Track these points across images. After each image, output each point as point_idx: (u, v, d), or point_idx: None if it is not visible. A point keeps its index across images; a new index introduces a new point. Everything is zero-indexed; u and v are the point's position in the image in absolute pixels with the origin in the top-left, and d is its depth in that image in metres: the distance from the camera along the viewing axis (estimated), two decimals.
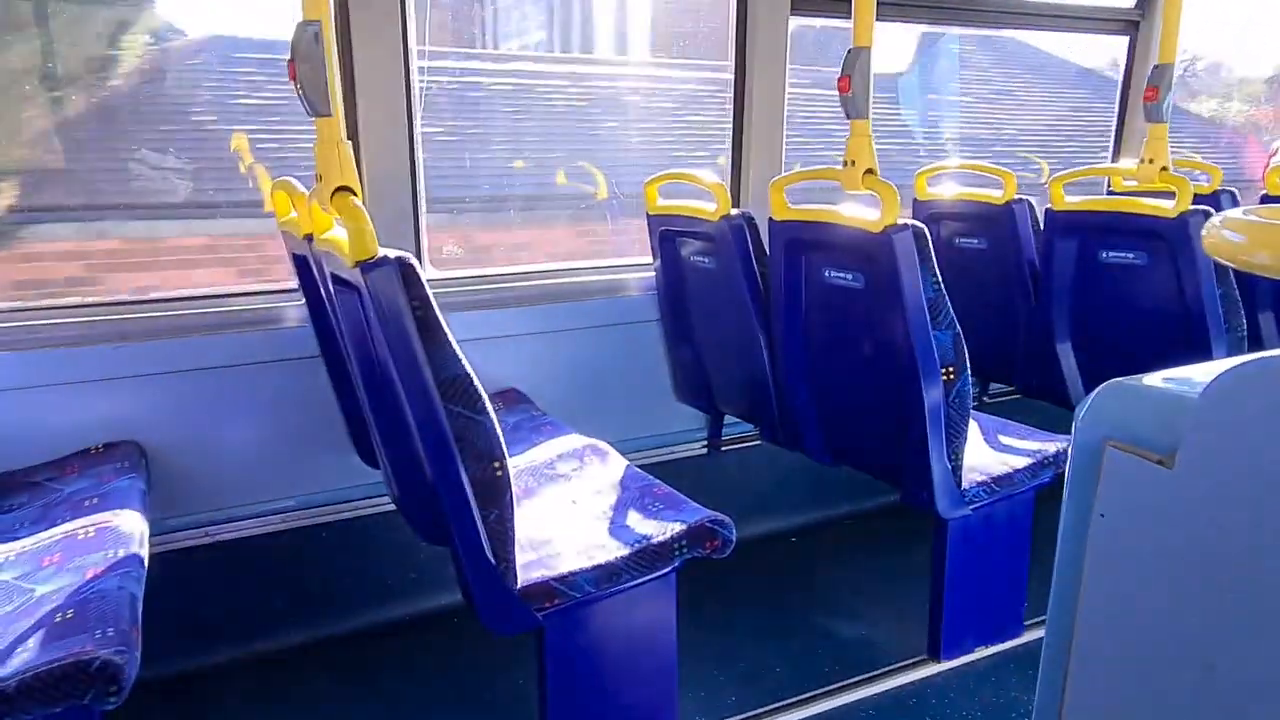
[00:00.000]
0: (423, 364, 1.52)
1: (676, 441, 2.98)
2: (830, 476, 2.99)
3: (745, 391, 2.68)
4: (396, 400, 1.63)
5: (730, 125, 2.93)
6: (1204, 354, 2.38)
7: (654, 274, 2.81)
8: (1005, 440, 2.46)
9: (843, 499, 3.24)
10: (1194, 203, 2.44)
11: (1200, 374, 0.82)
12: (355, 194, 1.64)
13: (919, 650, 2.37)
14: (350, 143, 2.35)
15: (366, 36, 2.32)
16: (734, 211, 2.41)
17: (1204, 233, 0.81)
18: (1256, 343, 2.81)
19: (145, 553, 1.73)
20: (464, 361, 1.56)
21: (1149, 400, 0.81)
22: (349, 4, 2.29)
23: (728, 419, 2.98)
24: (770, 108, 2.88)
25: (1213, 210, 2.42)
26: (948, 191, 3.08)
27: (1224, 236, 0.79)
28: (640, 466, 2.20)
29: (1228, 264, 0.78)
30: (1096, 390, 0.84)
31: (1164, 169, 2.70)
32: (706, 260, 2.59)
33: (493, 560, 1.61)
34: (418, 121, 2.46)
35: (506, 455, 1.60)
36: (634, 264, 2.91)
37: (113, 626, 1.45)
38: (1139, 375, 0.84)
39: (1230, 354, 2.37)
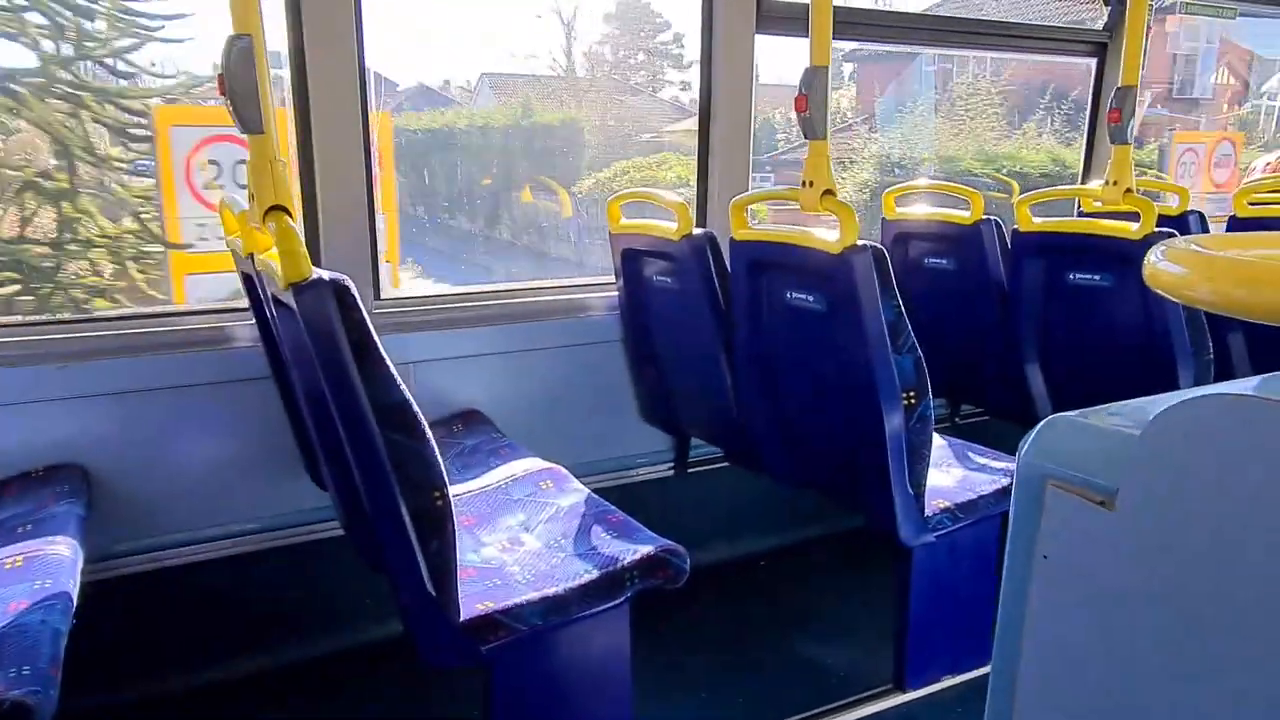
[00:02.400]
0: (358, 389, 1.47)
1: (642, 464, 2.93)
2: (798, 500, 2.94)
3: (709, 413, 2.64)
4: (336, 425, 1.58)
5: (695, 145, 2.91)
6: (1170, 378, 2.35)
7: (617, 294, 2.77)
8: (971, 464, 2.43)
9: (811, 522, 3.20)
10: (1160, 224, 2.43)
11: (1146, 410, 0.79)
12: (289, 214, 1.58)
13: (885, 679, 2.32)
14: (302, 160, 2.33)
15: (319, 51, 2.27)
16: (696, 231, 2.38)
17: (1144, 265, 0.78)
18: (1225, 366, 2.79)
19: (76, 584, 1.66)
20: (402, 387, 1.51)
21: (1091, 438, 0.77)
22: (302, 20, 2.24)
23: (694, 441, 2.93)
24: (736, 127, 2.85)
25: (1177, 233, 2.41)
26: (916, 211, 3.07)
27: (1164, 269, 0.76)
28: (604, 489, 2.15)
29: (1170, 298, 0.75)
30: (1038, 426, 0.81)
31: (1128, 191, 2.68)
32: (669, 280, 2.55)
33: (433, 593, 1.55)
34: (374, 139, 2.41)
35: (448, 484, 1.55)
36: (597, 283, 2.87)
37: (30, 665, 1.38)
38: (1086, 410, 0.80)
39: (1197, 378, 2.35)
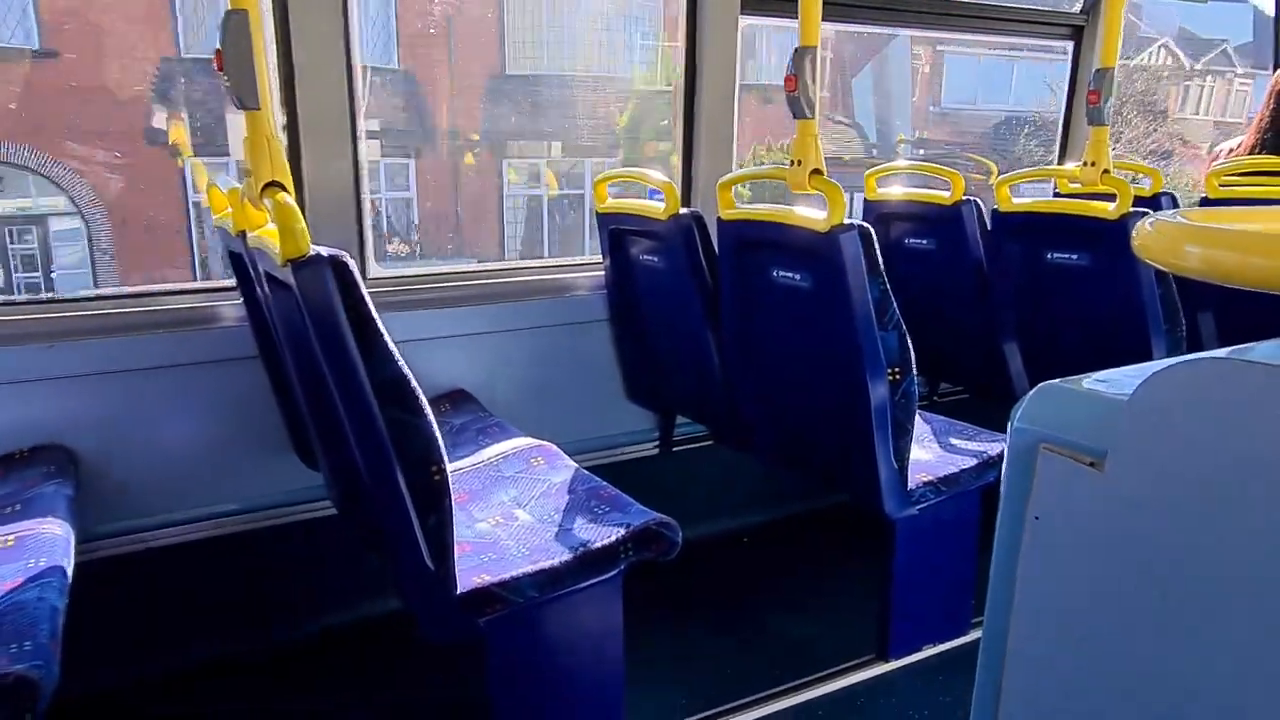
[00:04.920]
0: (357, 365, 1.48)
1: (628, 442, 2.95)
2: (782, 477, 2.99)
3: (695, 392, 2.67)
4: (333, 402, 1.59)
5: (681, 124, 2.92)
6: (1144, 354, 2.41)
7: (603, 273, 2.79)
8: (952, 440, 2.48)
9: (795, 499, 3.24)
10: (1134, 205, 2.48)
11: (1134, 376, 0.82)
12: (286, 189, 1.58)
13: (867, 649, 2.38)
14: (288, 137, 2.32)
15: (305, 27, 2.25)
16: (682, 211, 2.40)
17: (1134, 235, 0.81)
18: (1196, 343, 2.86)
19: (70, 562, 1.66)
20: (401, 363, 1.52)
21: (1082, 403, 0.80)
22: None
23: (679, 419, 2.96)
24: (720, 107, 2.87)
25: (1152, 213, 2.45)
26: (896, 192, 3.10)
27: (1154, 240, 0.79)
28: (590, 467, 2.17)
29: (1159, 267, 0.78)
30: (1031, 392, 0.84)
31: (1105, 171, 2.73)
32: (655, 259, 2.57)
33: (431, 567, 1.57)
34: (360, 115, 2.40)
35: (445, 459, 1.56)
36: (583, 263, 2.88)
37: (30, 640, 1.38)
38: (1074, 377, 0.83)
39: (1169, 354, 2.41)
